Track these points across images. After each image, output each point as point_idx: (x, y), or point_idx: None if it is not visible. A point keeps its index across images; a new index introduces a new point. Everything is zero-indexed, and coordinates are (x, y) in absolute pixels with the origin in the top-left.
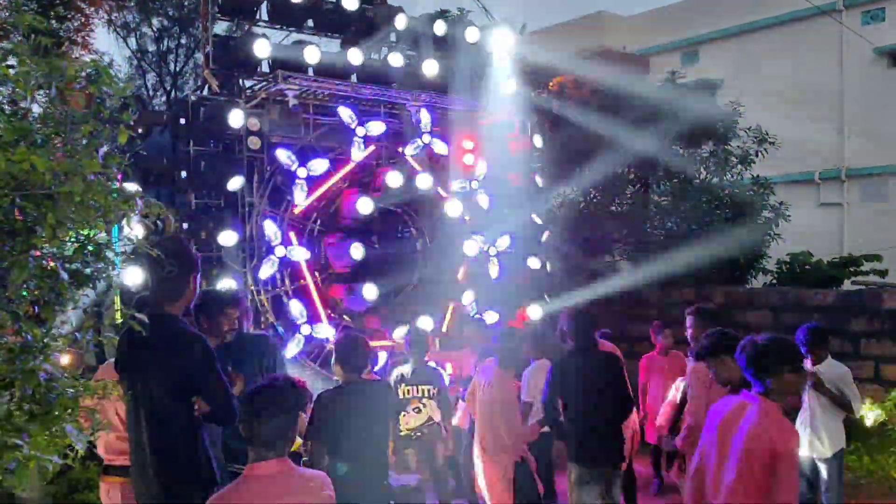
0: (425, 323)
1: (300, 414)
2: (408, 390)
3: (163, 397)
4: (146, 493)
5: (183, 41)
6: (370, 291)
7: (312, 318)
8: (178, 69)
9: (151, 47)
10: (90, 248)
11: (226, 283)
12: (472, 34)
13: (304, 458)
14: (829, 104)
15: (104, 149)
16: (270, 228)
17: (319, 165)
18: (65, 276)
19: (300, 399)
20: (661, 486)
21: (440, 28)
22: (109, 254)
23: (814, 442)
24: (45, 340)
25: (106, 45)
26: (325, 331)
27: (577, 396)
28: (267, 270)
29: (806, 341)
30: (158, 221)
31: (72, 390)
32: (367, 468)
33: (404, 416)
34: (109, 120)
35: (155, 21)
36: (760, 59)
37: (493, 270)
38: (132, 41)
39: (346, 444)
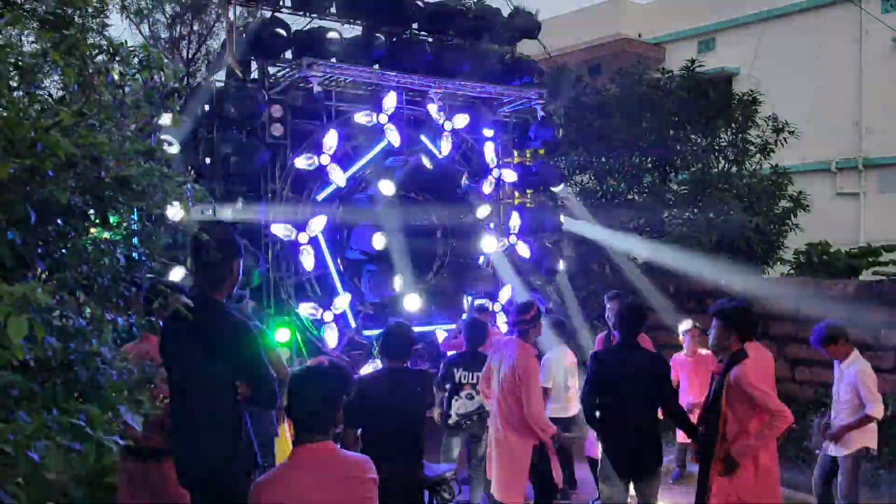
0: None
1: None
2: (463, 375)
3: (207, 381)
4: (188, 475)
5: (195, 28)
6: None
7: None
8: (190, 56)
9: (164, 34)
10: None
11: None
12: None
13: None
14: (848, 92)
15: (158, 135)
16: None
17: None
18: (122, 259)
19: (345, 382)
20: (680, 474)
21: (462, 13)
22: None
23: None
24: (101, 324)
25: (118, 31)
26: (342, 302)
27: (615, 394)
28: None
29: (819, 340)
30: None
31: (115, 373)
32: (399, 455)
33: (456, 400)
34: (160, 105)
35: (168, 7)
36: (778, 48)
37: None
38: (145, 27)
39: (379, 430)
